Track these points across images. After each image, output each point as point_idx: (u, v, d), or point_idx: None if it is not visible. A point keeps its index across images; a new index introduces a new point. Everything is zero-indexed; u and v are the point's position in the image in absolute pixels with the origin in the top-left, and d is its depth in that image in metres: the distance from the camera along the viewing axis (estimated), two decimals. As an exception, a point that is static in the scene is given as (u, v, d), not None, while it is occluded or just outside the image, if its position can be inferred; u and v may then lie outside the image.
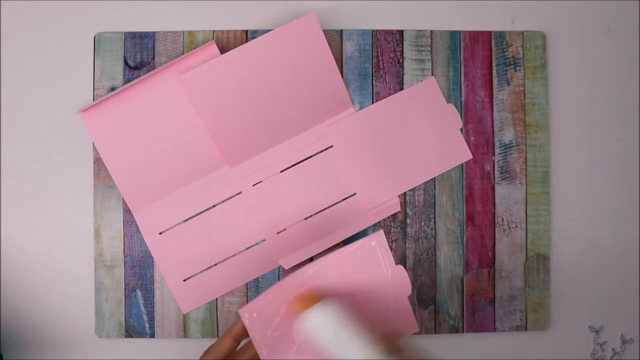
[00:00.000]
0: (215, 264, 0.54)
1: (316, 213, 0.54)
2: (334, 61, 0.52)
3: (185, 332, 0.54)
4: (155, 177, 0.53)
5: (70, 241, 0.54)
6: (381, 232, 0.45)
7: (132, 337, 0.54)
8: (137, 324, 0.54)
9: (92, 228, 0.54)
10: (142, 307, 0.54)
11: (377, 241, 0.45)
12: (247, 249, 0.53)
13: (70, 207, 0.54)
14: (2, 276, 0.54)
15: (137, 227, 0.53)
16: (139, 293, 0.54)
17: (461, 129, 0.55)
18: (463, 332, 0.55)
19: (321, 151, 0.54)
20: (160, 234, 0.53)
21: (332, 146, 0.54)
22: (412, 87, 0.54)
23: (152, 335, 0.54)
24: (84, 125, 0.51)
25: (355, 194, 0.54)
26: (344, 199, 0.54)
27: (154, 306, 0.54)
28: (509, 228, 0.55)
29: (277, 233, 0.54)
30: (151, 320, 0.54)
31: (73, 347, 0.54)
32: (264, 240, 0.54)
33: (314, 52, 0.52)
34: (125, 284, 0.54)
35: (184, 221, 0.53)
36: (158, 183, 0.53)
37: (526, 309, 0.55)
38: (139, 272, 0.54)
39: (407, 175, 0.54)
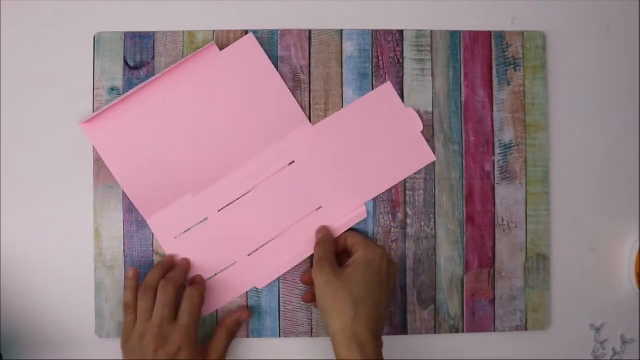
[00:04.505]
0: (224, 269, 0.54)
1: (283, 231, 0.54)
2: (281, 79, 0.53)
3: (185, 332, 0.54)
4: (163, 182, 0.53)
5: (70, 241, 0.54)
6: (389, 83, 0.54)
7: (132, 337, 0.54)
8: (137, 324, 0.54)
9: (92, 228, 0.54)
10: (142, 307, 0.53)
11: (385, 91, 0.54)
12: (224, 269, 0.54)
13: (70, 207, 0.54)
14: (2, 276, 0.54)
15: (137, 227, 0.53)
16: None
17: (422, 132, 0.54)
18: (463, 332, 0.55)
19: (283, 168, 0.53)
20: (175, 238, 0.53)
21: (293, 162, 0.53)
22: (368, 94, 0.54)
23: (152, 335, 0.54)
24: (87, 136, 0.52)
25: (321, 207, 0.54)
26: (310, 213, 0.54)
27: (154, 306, 0.54)
28: (509, 228, 0.55)
29: (248, 255, 0.53)
30: (151, 320, 0.54)
31: (73, 347, 0.54)
32: (234, 263, 0.54)
33: (259, 73, 0.53)
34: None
35: (194, 226, 0.53)
36: (166, 188, 0.53)
37: (526, 309, 0.55)
38: (139, 272, 0.53)
39: (372, 183, 0.54)
